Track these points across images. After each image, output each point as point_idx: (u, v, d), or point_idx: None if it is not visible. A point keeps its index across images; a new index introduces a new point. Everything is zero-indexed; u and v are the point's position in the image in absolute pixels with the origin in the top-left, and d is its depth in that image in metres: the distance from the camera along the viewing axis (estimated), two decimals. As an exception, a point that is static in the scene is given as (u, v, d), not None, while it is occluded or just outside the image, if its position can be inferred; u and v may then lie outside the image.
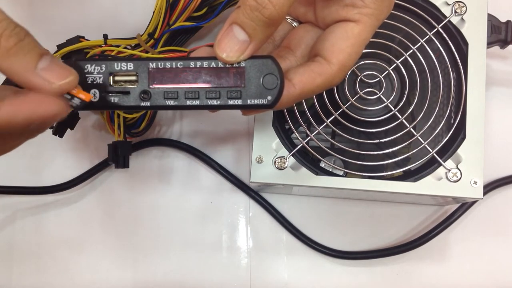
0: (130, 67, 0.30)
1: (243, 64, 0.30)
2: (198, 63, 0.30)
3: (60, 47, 0.49)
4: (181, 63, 0.30)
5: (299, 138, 0.43)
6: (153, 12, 0.48)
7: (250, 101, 0.30)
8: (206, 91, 0.30)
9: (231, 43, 0.29)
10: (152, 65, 0.30)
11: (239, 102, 0.30)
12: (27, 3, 0.55)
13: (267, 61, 0.30)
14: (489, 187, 0.52)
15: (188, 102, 0.30)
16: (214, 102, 0.30)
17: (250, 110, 0.32)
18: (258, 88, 0.30)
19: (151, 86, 0.30)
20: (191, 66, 0.30)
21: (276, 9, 0.28)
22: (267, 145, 0.43)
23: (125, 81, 0.30)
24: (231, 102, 0.30)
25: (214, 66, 0.30)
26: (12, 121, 0.26)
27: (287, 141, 0.43)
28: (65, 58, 0.50)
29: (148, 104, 0.30)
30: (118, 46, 0.48)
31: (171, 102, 0.30)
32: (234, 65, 0.30)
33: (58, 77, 0.27)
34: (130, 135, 0.50)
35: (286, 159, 0.42)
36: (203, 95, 0.30)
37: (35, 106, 0.26)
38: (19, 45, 0.26)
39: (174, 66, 0.30)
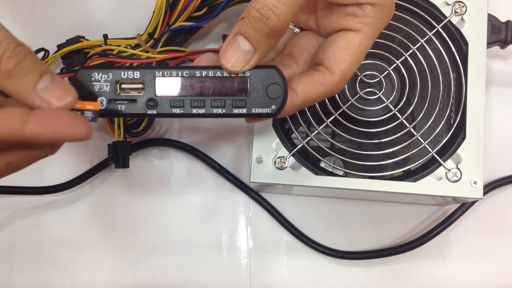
0: (136, 76, 0.30)
1: (247, 74, 0.30)
2: (204, 72, 0.30)
3: (60, 47, 0.49)
4: (187, 72, 0.30)
5: (299, 138, 0.43)
6: (153, 12, 0.48)
7: (255, 110, 0.31)
8: (212, 100, 0.30)
9: (236, 53, 0.30)
10: (159, 73, 0.30)
11: (244, 111, 0.31)
12: (28, 3, 0.55)
13: (271, 71, 0.30)
14: (489, 187, 0.52)
15: (194, 111, 0.31)
16: (219, 111, 0.31)
17: (254, 118, 0.33)
18: (262, 98, 0.30)
19: (157, 95, 0.30)
20: (196, 75, 0.30)
21: (279, 20, 0.29)
22: (267, 145, 0.43)
23: (132, 89, 0.31)
24: (236, 110, 0.31)
25: (219, 75, 0.30)
26: (38, 138, 0.26)
27: (287, 141, 0.43)
28: (65, 58, 0.50)
29: (154, 112, 0.31)
30: (118, 46, 0.48)
31: (177, 111, 0.31)
32: (239, 75, 0.30)
33: (56, 98, 0.27)
34: (130, 135, 0.50)
35: (286, 159, 0.42)
36: (209, 104, 0.31)
37: (65, 126, 0.26)
38: (18, 66, 0.26)
39: (179, 75, 0.30)
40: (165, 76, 0.30)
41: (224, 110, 0.31)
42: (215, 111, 0.31)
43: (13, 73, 0.26)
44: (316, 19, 0.34)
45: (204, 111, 0.31)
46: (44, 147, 0.28)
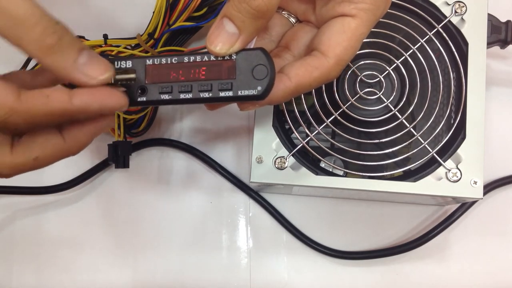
0: (129, 65, 0.31)
1: (234, 57, 0.30)
2: (192, 58, 0.31)
3: (60, 47, 0.49)
4: (176, 58, 0.31)
5: (299, 138, 0.43)
6: (153, 12, 0.48)
7: (241, 92, 0.30)
8: (199, 84, 0.31)
9: (221, 36, 0.30)
10: (149, 61, 0.31)
11: (230, 93, 0.30)
12: (27, 3, 0.55)
13: (257, 52, 0.30)
14: (489, 187, 0.52)
15: (182, 96, 0.31)
16: (206, 95, 0.31)
17: (244, 103, 0.32)
18: (248, 79, 0.30)
19: (147, 82, 0.31)
20: (185, 61, 0.31)
21: (263, 1, 0.28)
22: (267, 145, 0.43)
23: (125, 79, 0.31)
24: (222, 94, 0.30)
25: (207, 59, 0.30)
26: (87, 108, 0.28)
27: (287, 141, 0.43)
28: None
29: (144, 99, 0.31)
30: (118, 46, 0.48)
31: (165, 97, 0.31)
32: (226, 58, 0.30)
33: (97, 72, 0.28)
34: (130, 135, 0.50)
35: (286, 159, 0.42)
36: (196, 89, 0.31)
37: (107, 97, 0.29)
38: (59, 42, 0.27)
39: (169, 62, 0.31)
40: (155, 64, 0.31)
41: (210, 94, 0.30)
42: (202, 95, 0.31)
43: (55, 49, 0.27)
44: (315, 10, 0.34)
45: (191, 96, 0.31)
46: (84, 120, 0.30)
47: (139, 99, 0.31)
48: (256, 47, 0.31)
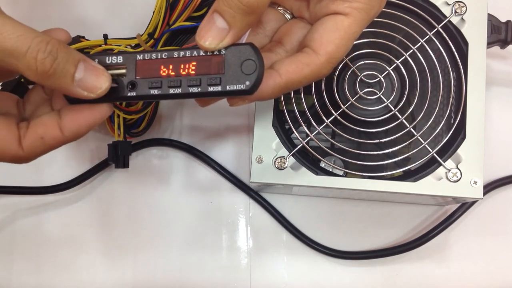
0: (120, 60, 0.31)
1: (223, 52, 0.30)
2: (181, 53, 0.31)
3: (60, 47, 0.49)
4: (166, 53, 0.31)
5: (299, 138, 0.43)
6: (153, 12, 0.48)
7: (229, 87, 0.30)
8: (188, 79, 0.31)
9: (211, 31, 0.30)
10: (139, 57, 0.31)
11: (219, 88, 0.30)
12: (27, 3, 0.55)
13: (246, 47, 0.30)
14: (489, 187, 0.52)
15: (171, 91, 0.31)
16: (195, 90, 0.31)
17: (234, 98, 0.32)
18: (237, 74, 0.30)
19: (137, 77, 0.31)
20: (174, 56, 0.31)
21: None
22: (267, 145, 0.43)
23: (116, 74, 0.31)
24: (211, 89, 0.30)
25: (196, 55, 0.31)
26: (78, 134, 0.31)
27: (287, 141, 0.43)
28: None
29: (134, 94, 0.31)
30: (118, 46, 0.48)
31: (155, 92, 0.31)
32: (215, 53, 0.30)
33: (96, 85, 0.30)
34: (130, 135, 0.50)
35: (286, 159, 0.42)
36: (185, 84, 0.31)
37: (92, 117, 0.31)
38: (54, 66, 0.28)
39: (159, 57, 0.31)
40: (145, 59, 0.31)
41: (199, 89, 0.30)
42: (191, 90, 0.31)
43: (50, 72, 0.28)
44: (308, 7, 0.34)
45: (180, 91, 0.31)
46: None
47: (129, 94, 0.31)
48: (246, 42, 0.31)
